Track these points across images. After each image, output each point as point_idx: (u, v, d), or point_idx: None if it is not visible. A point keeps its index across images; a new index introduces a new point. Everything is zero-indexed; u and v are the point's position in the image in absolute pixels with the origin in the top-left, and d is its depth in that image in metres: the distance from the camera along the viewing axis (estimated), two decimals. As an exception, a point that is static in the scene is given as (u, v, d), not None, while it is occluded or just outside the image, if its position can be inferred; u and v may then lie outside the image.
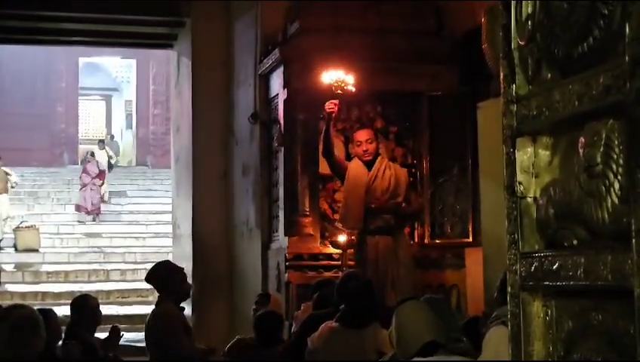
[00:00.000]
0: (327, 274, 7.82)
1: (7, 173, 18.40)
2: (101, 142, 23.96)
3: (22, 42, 14.29)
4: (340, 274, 6.87)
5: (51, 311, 5.97)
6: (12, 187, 18.77)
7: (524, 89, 2.15)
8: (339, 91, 7.38)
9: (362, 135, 7.91)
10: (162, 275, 6.23)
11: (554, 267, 2.00)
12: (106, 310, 6.98)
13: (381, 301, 6.81)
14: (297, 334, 5.99)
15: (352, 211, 7.74)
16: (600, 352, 1.90)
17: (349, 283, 5.71)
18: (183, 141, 11.41)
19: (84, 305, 6.26)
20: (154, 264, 6.54)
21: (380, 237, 7.65)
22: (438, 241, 8.54)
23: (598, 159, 1.88)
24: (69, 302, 6.63)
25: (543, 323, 2.09)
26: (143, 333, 6.21)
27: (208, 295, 10.28)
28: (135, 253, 17.44)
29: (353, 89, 7.47)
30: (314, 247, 8.31)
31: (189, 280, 6.92)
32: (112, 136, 29.19)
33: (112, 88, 31.52)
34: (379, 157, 7.86)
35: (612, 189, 1.84)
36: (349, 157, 8.21)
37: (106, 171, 21.33)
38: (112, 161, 23.96)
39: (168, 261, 7.10)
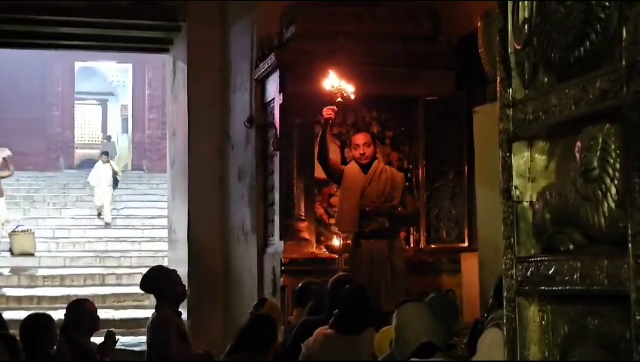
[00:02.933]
0: (323, 278, 7.80)
1: None
2: (104, 154, 21.15)
3: (17, 46, 14.22)
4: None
5: (50, 316, 5.97)
6: (4, 159, 18.10)
7: (521, 93, 2.15)
8: (339, 99, 7.37)
9: (360, 138, 7.89)
10: (154, 280, 6.25)
11: (550, 271, 2.00)
12: (101, 314, 6.93)
13: (376, 307, 6.79)
14: (292, 340, 5.97)
15: (347, 214, 7.72)
16: (596, 357, 1.90)
17: (341, 287, 5.70)
18: (178, 145, 11.39)
19: (81, 310, 6.24)
20: (147, 270, 6.56)
21: (375, 242, 7.60)
22: (433, 246, 8.53)
23: (595, 163, 1.87)
24: (65, 306, 6.62)
25: (539, 327, 2.09)
26: (139, 337, 6.22)
27: (204, 299, 10.26)
28: (131, 257, 17.40)
29: (353, 97, 7.46)
30: (309, 252, 8.30)
31: (185, 284, 6.92)
32: (109, 137, 29.09)
33: (108, 92, 31.52)
34: (375, 161, 7.85)
35: (608, 194, 1.84)
36: (344, 162, 8.20)
37: None
38: (118, 178, 21.08)
39: (160, 266, 7.11)
